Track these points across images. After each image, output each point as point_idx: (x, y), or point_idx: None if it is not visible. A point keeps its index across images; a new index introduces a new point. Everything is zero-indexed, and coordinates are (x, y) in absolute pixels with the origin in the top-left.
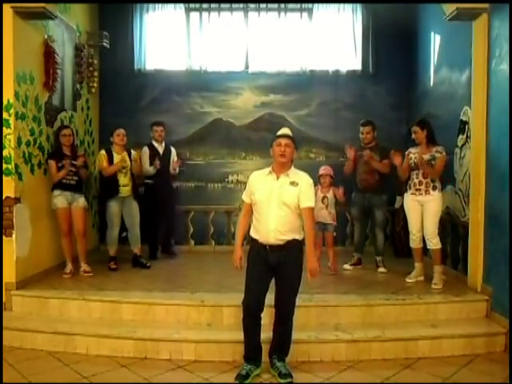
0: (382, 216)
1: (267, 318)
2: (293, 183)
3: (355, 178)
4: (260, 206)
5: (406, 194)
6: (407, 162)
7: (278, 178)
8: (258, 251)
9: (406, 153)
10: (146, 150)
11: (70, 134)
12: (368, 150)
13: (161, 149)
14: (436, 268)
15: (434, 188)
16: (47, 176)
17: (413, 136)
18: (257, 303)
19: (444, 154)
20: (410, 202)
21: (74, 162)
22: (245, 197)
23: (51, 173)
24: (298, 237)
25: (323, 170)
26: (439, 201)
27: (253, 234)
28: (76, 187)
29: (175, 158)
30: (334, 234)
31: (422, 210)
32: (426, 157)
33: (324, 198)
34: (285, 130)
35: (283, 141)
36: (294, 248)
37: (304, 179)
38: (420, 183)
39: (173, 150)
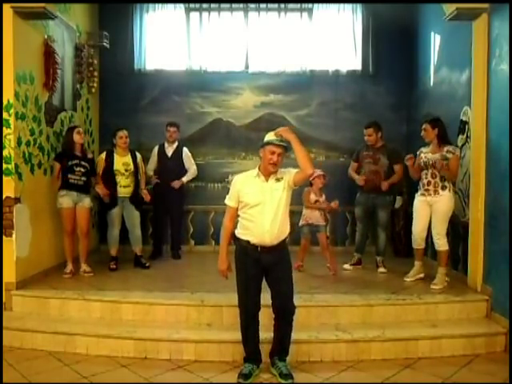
0: (386, 216)
1: (266, 318)
2: (278, 179)
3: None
4: (252, 208)
5: (416, 194)
6: (418, 162)
7: (266, 180)
8: (247, 252)
9: (418, 152)
10: (155, 150)
11: (82, 131)
12: (375, 153)
13: (170, 149)
14: (440, 269)
15: (444, 188)
16: (47, 176)
17: (422, 133)
18: (255, 304)
19: (457, 153)
20: (419, 203)
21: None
22: (229, 201)
23: (53, 175)
24: (288, 232)
25: (318, 172)
26: (448, 201)
27: (241, 235)
28: (83, 188)
29: (191, 162)
30: (327, 233)
31: (431, 210)
32: (437, 156)
33: (317, 201)
34: (278, 137)
35: (277, 150)
36: (283, 248)
37: (287, 170)
38: (429, 183)
39: (185, 150)
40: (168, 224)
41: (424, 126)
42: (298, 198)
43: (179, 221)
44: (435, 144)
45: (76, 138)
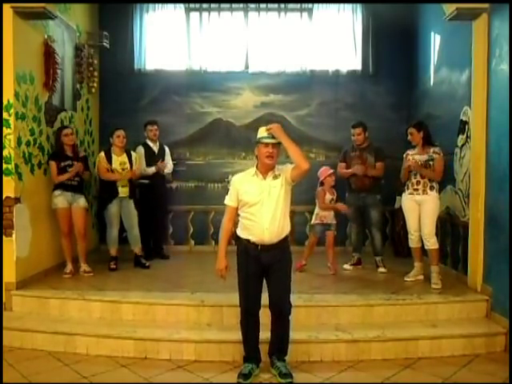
0: (378, 216)
1: (266, 317)
2: (276, 176)
3: (349, 178)
4: (251, 207)
5: (404, 194)
6: (406, 164)
7: (264, 178)
8: (248, 251)
9: (405, 155)
10: (141, 150)
11: (71, 133)
12: (362, 153)
13: (156, 148)
14: (433, 268)
15: (432, 188)
16: (47, 176)
17: (409, 137)
18: (255, 303)
19: (441, 154)
20: (408, 202)
21: (79, 173)
22: (229, 201)
23: (52, 174)
24: (289, 229)
25: (329, 170)
26: (436, 201)
27: (242, 234)
28: (77, 188)
29: (170, 159)
30: (335, 232)
31: (420, 209)
32: (424, 157)
33: (332, 200)
34: (268, 134)
35: (270, 141)
36: (284, 246)
37: (285, 167)
38: (418, 183)
39: (167, 149)
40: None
41: (410, 131)
42: (301, 198)
43: (164, 220)
44: (420, 146)
45: (64, 140)
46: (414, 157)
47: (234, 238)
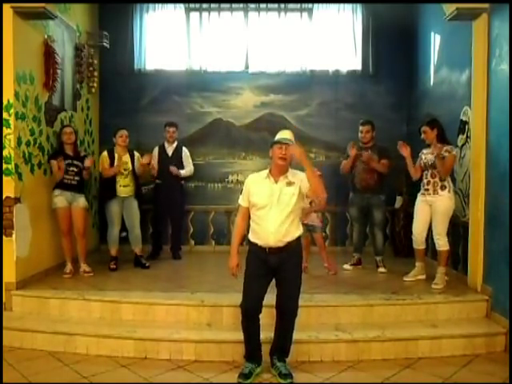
0: (381, 216)
1: (267, 317)
2: (289, 183)
3: (353, 178)
4: (259, 210)
5: (418, 194)
6: (419, 163)
7: (276, 181)
8: (256, 253)
9: (420, 154)
10: (155, 151)
11: (70, 131)
12: (367, 151)
13: (171, 149)
14: (440, 269)
15: (443, 188)
16: (47, 176)
17: (422, 136)
18: (255, 307)
19: (454, 152)
20: (419, 203)
21: (84, 165)
22: (241, 200)
23: (53, 171)
24: (298, 234)
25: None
26: (448, 201)
27: (251, 237)
28: (77, 187)
29: (189, 162)
30: (323, 234)
31: (431, 210)
32: (434, 156)
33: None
34: (285, 134)
35: (285, 143)
36: (293, 248)
37: (301, 176)
38: (428, 183)
39: (185, 150)
40: (168, 224)
41: (423, 129)
42: None
43: (180, 221)
44: (434, 144)
45: (63, 138)
46: (426, 156)
47: (246, 241)
